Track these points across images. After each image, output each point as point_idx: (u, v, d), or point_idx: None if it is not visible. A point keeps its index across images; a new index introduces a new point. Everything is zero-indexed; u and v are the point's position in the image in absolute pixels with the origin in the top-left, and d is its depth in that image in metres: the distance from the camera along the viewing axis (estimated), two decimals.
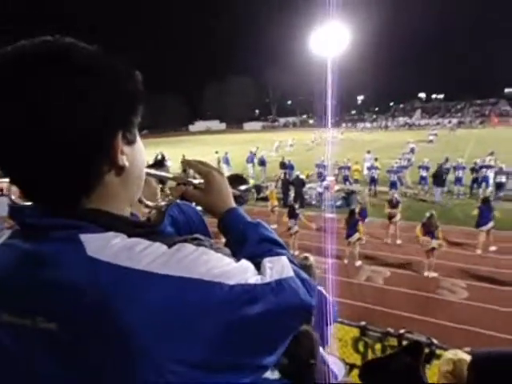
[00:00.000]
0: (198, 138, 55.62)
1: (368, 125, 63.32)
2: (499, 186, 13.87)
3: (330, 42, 27.91)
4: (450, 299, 7.36)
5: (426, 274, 8.27)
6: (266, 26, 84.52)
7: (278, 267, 0.69)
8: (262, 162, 20.46)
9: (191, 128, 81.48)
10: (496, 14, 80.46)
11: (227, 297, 0.57)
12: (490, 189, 14.08)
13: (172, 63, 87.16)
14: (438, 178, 14.09)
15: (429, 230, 8.24)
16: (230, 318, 0.57)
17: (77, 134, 0.56)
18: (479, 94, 75.38)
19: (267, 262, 0.70)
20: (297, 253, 8.61)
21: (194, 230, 0.86)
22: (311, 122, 72.56)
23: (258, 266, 0.68)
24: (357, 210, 9.79)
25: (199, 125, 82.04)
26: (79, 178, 0.59)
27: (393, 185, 14.05)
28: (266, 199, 13.34)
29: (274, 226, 10.51)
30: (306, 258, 3.54)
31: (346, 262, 9.10)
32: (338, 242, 9.23)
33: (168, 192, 0.94)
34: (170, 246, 0.60)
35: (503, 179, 13.89)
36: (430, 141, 33.56)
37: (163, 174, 0.90)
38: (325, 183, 14.34)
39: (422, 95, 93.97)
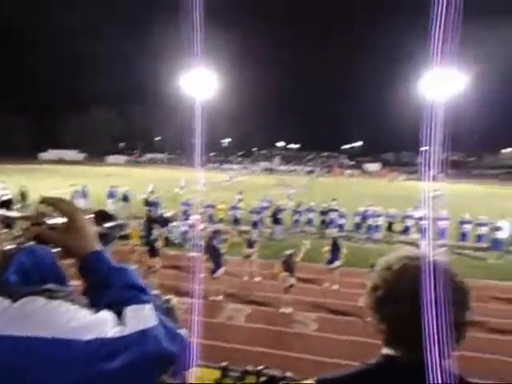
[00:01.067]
0: (50, 168, 50.07)
1: (234, 166, 67.22)
2: (340, 227, 16.05)
3: (198, 85, 29.10)
4: (303, 332, 7.96)
5: (282, 309, 8.80)
6: (136, 62, 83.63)
7: (141, 316, 0.66)
8: (125, 198, 19.41)
9: (43, 156, 72.81)
10: (339, 77, 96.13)
11: (83, 353, 0.53)
12: (335, 229, 16.14)
13: (20, 86, 77.63)
14: (275, 218, 15.93)
15: (288, 267, 8.88)
16: (88, 375, 0.52)
17: None
18: (326, 147, 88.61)
19: (130, 311, 0.66)
20: (158, 293, 8.20)
21: (47, 277, 0.76)
22: (178, 159, 72.94)
23: (120, 315, 0.64)
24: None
25: (52, 153, 73.88)
26: None
27: (255, 224, 14.90)
28: (127, 237, 12.56)
29: (135, 266, 9.87)
30: (168, 300, 3.38)
31: (209, 300, 9.07)
32: (202, 281, 9.19)
33: (18, 233, 0.79)
34: (14, 300, 0.52)
35: (344, 221, 16.17)
36: (288, 185, 37.26)
37: (11, 213, 0.78)
38: (189, 222, 14.34)
39: (281, 144, 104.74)
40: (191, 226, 13.96)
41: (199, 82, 29.55)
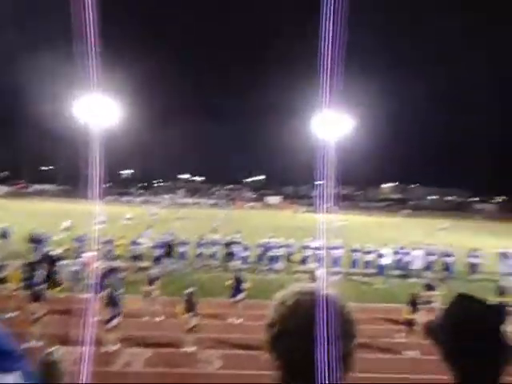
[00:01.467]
0: None
1: (135, 199, 64.27)
2: (244, 259, 16.19)
3: (96, 113, 27.63)
4: (207, 371, 7.65)
5: (185, 349, 8.39)
6: (24, 83, 76.19)
7: None
8: (4, 234, 17.01)
9: None
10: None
11: None
12: (239, 262, 16.23)
13: None
14: (178, 252, 15.99)
15: (189, 307, 8.55)
16: None
17: None
18: (228, 180, 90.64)
19: None
20: (42, 343, 7.18)
21: None
22: (72, 191, 67.06)
23: None
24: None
25: None
26: None
27: (157, 260, 14.21)
28: (4, 280, 10.91)
29: (14, 314, 8.60)
30: (50, 353, 2.98)
31: (103, 348, 8.22)
32: (95, 327, 8.31)
33: None
34: None
35: (248, 253, 16.35)
36: (183, 218, 36.93)
37: None
38: (81, 259, 13.06)
39: (185, 176, 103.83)
40: (84, 265, 12.72)
41: (97, 110, 28.07)
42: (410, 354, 8.50)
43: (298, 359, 0.90)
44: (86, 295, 10.33)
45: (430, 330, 1.14)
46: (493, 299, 11.28)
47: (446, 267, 16.17)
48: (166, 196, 69.09)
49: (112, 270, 13.37)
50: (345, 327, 0.92)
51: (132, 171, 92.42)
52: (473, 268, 16.28)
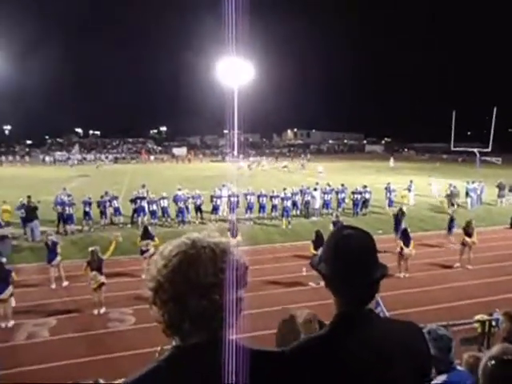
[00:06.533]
0: None
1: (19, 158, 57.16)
2: (152, 214, 15.72)
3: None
4: (121, 329, 7.54)
5: (95, 311, 8.09)
6: None
7: None
8: None
9: None
10: None
11: None
12: (146, 217, 15.73)
13: None
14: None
15: (96, 266, 8.13)
16: None
17: None
18: (130, 133, 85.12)
19: None
20: None
21: None
22: None
23: None
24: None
25: None
26: None
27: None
28: None
29: None
30: None
31: (1, 325, 7.51)
32: None
33: None
34: None
35: (155, 207, 15.84)
36: (87, 175, 34.43)
37: None
38: None
39: (79, 130, 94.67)
40: None
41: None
42: (313, 284, 9.31)
43: (173, 311, 0.89)
44: None
45: (313, 263, 1.19)
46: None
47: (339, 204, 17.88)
48: (58, 153, 62.56)
49: (2, 238, 12.04)
50: (233, 274, 0.91)
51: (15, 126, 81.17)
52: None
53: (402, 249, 10.18)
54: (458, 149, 35.55)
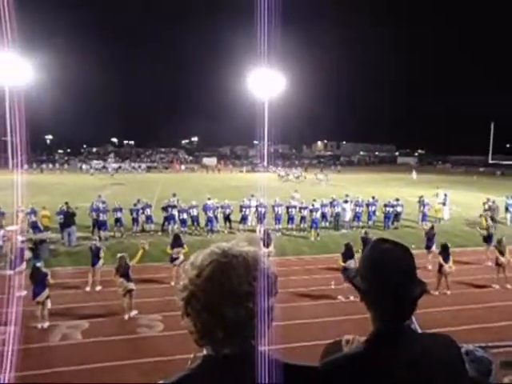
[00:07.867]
0: None
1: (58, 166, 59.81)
2: (182, 222, 15.95)
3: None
4: (150, 334, 7.64)
5: (125, 316, 8.25)
6: None
7: None
8: None
9: None
10: None
11: None
12: (176, 225, 15.99)
13: None
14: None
15: (123, 272, 8.32)
16: None
17: None
18: (163, 143, 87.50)
19: None
20: None
21: None
22: None
23: None
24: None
25: None
26: None
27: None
28: None
29: None
30: None
31: (38, 326, 7.79)
32: (23, 304, 7.81)
33: None
34: None
35: (185, 216, 16.09)
36: (122, 183, 35.44)
37: None
38: (2, 232, 12.03)
39: (114, 140, 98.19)
40: (5, 240, 11.73)
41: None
42: (342, 298, 9.13)
43: (206, 320, 0.88)
44: (10, 270, 9.62)
45: (347, 275, 1.18)
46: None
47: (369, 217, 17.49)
48: (95, 162, 65.06)
49: (40, 242, 12.54)
50: (265, 283, 0.91)
51: (55, 136, 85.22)
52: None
53: (441, 265, 9.82)
54: (496, 161, 34.13)
